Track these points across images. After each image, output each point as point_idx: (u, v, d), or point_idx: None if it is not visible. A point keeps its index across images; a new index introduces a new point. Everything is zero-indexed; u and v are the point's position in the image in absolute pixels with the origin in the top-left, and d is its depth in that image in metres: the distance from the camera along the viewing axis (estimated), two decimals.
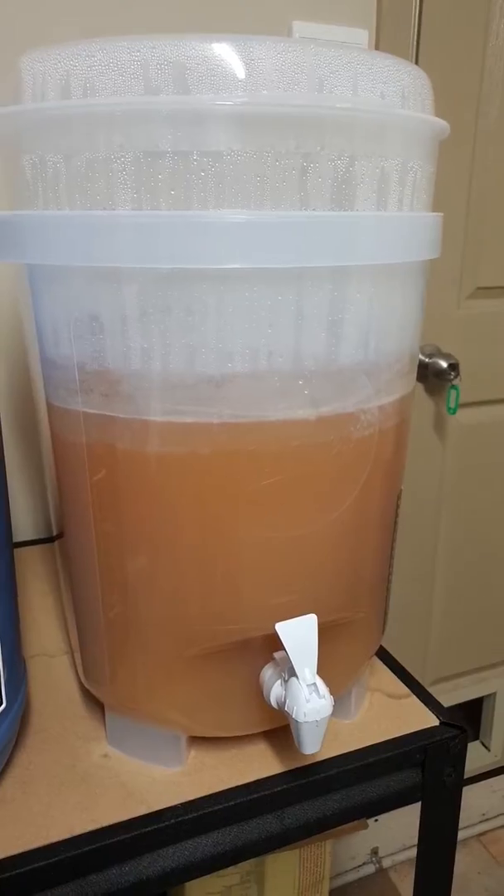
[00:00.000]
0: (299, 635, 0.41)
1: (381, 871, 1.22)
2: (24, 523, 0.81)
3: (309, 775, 0.46)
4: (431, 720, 0.51)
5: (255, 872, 0.76)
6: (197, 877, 0.44)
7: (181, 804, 0.44)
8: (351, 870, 1.20)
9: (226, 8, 0.74)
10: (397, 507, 0.50)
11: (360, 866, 1.21)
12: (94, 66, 0.34)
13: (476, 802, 1.29)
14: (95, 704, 0.52)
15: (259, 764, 0.47)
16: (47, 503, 0.82)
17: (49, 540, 0.81)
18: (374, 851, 1.22)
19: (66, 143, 0.36)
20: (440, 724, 0.51)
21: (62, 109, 0.35)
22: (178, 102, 0.34)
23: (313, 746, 0.42)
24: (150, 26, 0.72)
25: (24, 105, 0.37)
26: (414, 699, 0.54)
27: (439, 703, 0.53)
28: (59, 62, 0.35)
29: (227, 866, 0.45)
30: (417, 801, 0.50)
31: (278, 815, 0.46)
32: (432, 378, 1.00)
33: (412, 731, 0.50)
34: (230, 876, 0.75)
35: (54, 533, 0.54)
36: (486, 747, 1.31)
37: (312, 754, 0.46)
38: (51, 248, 0.37)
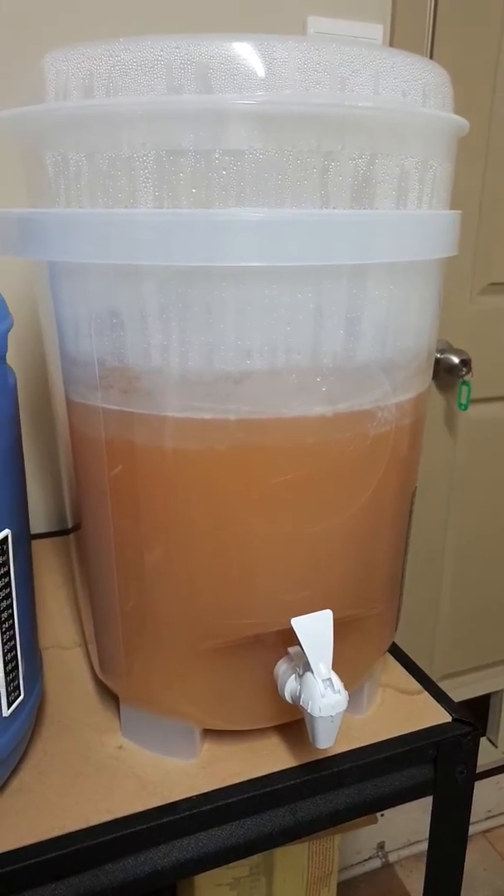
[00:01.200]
0: (315, 630, 0.42)
1: (388, 866, 1.22)
2: (37, 516, 0.82)
3: (321, 770, 0.47)
4: (444, 716, 0.52)
5: (263, 865, 0.76)
6: (210, 868, 0.45)
7: (196, 796, 0.44)
8: (357, 864, 1.21)
9: (241, 2, 0.74)
10: (412, 504, 0.50)
11: (366, 860, 1.22)
12: (118, 65, 0.35)
13: (482, 799, 1.30)
14: (110, 696, 0.53)
15: (272, 758, 0.48)
16: (60, 496, 0.82)
17: (61, 532, 0.82)
18: (381, 846, 1.23)
19: (89, 141, 0.36)
20: (452, 720, 0.51)
21: (85, 109, 0.36)
22: (201, 102, 0.34)
23: (328, 741, 0.42)
24: (162, 16, 0.71)
25: (48, 104, 0.38)
26: (426, 695, 0.54)
27: (451, 700, 0.53)
28: (83, 61, 0.36)
29: (241, 858, 0.45)
30: (427, 795, 0.51)
31: (291, 809, 0.46)
32: (443, 374, 1.00)
33: (424, 727, 0.50)
34: (239, 868, 0.75)
35: (69, 525, 0.54)
36: (492, 744, 1.32)
37: (325, 749, 0.47)
38: (72, 246, 0.37)
